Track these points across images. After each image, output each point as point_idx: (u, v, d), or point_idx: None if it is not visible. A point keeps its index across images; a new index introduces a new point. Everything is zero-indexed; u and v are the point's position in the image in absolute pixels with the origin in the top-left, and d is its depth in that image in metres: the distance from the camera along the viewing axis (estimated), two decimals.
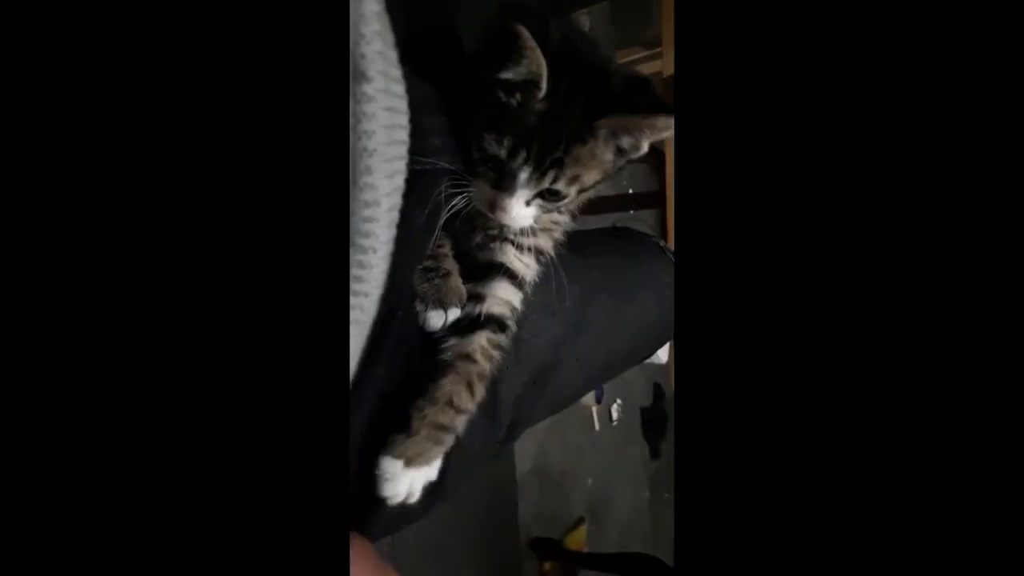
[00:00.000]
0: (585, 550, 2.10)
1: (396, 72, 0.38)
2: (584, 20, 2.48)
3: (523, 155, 0.47)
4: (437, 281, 0.49)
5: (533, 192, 0.49)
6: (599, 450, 2.43)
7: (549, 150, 0.47)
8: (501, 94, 0.46)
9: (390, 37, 0.37)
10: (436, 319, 0.49)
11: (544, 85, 0.45)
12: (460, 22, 0.53)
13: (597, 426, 2.38)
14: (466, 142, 0.49)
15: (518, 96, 0.46)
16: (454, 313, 0.50)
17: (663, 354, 1.77)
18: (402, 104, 0.38)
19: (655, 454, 2.92)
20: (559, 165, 0.48)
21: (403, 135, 0.38)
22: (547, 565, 1.94)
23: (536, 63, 0.44)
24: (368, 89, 0.33)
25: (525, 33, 0.42)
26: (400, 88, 0.38)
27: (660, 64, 1.94)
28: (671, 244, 1.61)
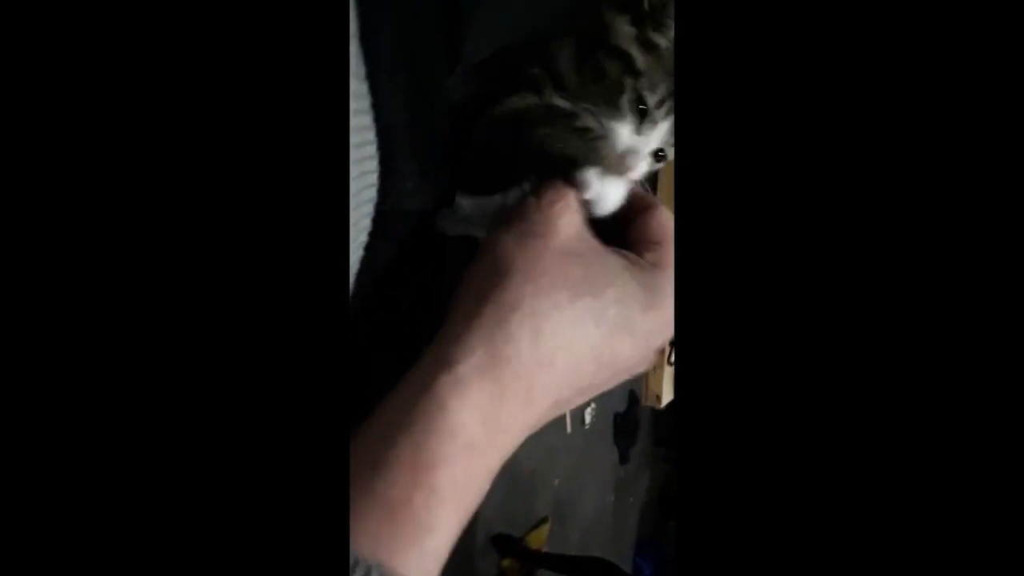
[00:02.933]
0: (545, 549, 2.15)
1: (371, 135, 0.40)
2: None
3: None
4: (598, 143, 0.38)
5: None
6: (569, 452, 2.47)
7: None
8: None
9: (366, 102, 0.40)
10: (615, 191, 0.37)
11: None
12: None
13: (569, 428, 2.42)
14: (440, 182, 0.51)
15: None
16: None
17: None
18: (373, 164, 0.41)
19: (624, 459, 2.96)
20: None
21: (372, 193, 0.41)
22: (506, 562, 1.98)
23: None
24: None
25: None
26: (372, 149, 0.41)
27: None
28: None
